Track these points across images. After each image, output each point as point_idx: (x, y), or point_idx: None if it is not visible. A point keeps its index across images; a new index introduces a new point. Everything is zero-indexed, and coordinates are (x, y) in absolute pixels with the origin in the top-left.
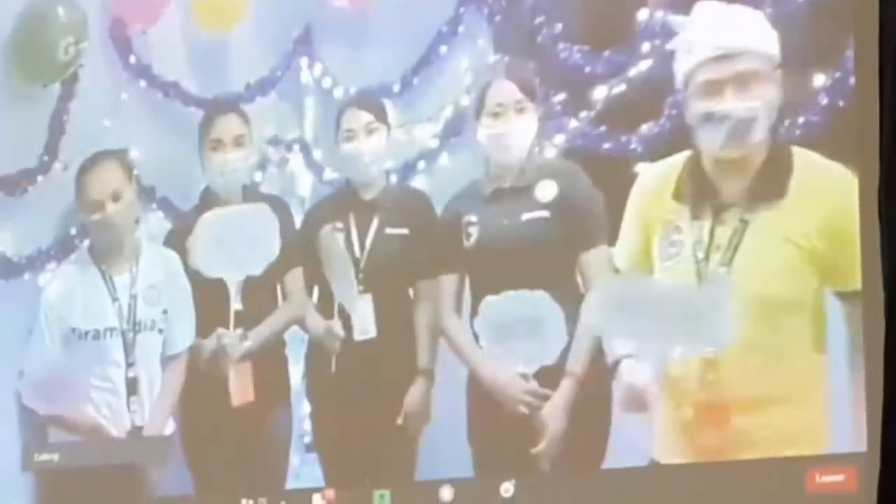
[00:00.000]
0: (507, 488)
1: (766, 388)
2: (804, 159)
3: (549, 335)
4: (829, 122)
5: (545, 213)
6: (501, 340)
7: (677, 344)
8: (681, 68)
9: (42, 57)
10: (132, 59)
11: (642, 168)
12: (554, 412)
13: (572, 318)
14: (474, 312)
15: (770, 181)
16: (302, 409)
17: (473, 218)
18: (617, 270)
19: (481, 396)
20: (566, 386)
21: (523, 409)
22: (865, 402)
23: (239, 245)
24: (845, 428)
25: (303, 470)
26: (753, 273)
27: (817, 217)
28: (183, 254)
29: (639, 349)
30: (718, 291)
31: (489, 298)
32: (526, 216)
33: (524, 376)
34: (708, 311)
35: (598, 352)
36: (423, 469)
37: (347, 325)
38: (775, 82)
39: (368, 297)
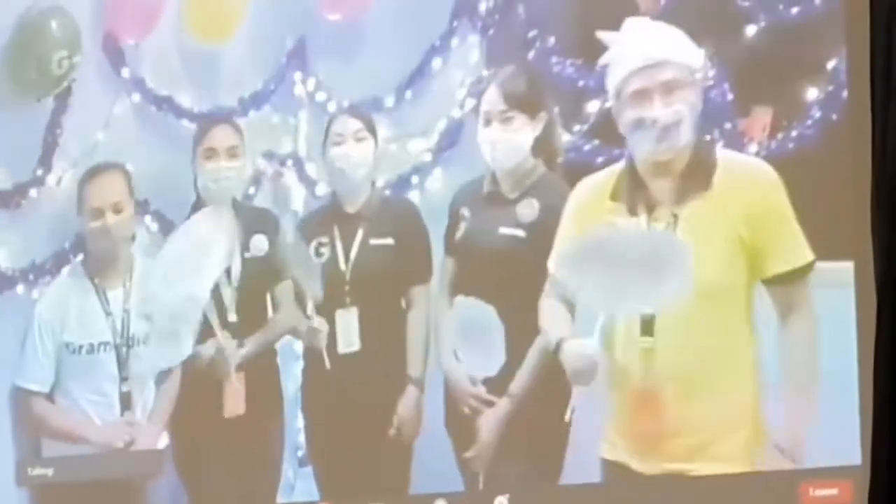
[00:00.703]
0: (500, 502)
1: (698, 373)
2: (727, 156)
3: (492, 349)
4: (821, 135)
5: (520, 233)
6: (462, 341)
7: (624, 299)
8: (612, 80)
9: (35, 70)
10: (125, 72)
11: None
12: (488, 424)
13: (517, 340)
14: (450, 303)
15: (695, 176)
16: (296, 422)
17: (467, 212)
18: (551, 276)
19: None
20: (503, 404)
21: (466, 410)
22: (860, 414)
23: (195, 255)
24: (839, 440)
25: (297, 483)
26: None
27: (741, 207)
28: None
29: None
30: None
31: (460, 297)
32: (503, 230)
33: (472, 380)
34: (653, 262)
35: (549, 375)
36: (417, 483)
37: (333, 338)
38: (697, 89)
39: (354, 311)
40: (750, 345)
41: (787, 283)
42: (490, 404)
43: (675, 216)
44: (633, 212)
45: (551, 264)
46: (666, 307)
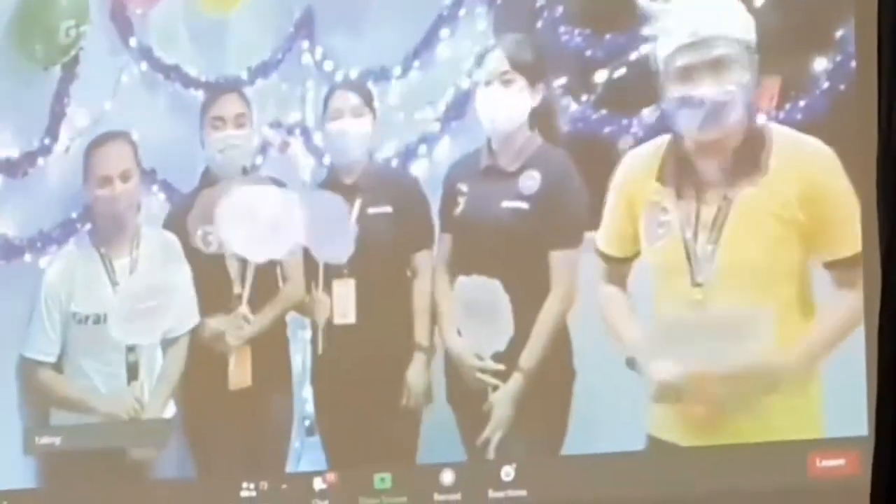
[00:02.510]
0: (507, 472)
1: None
2: (782, 135)
3: (500, 324)
4: (830, 106)
5: (524, 205)
6: (466, 320)
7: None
8: (661, 53)
9: (43, 39)
10: (133, 41)
11: (625, 152)
12: (501, 402)
13: (524, 311)
14: (451, 284)
15: (750, 159)
16: (303, 392)
17: (464, 188)
18: (601, 253)
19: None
20: (516, 380)
21: (474, 386)
22: (866, 385)
23: (264, 226)
24: (846, 412)
25: (304, 453)
26: (740, 249)
27: (797, 189)
28: (184, 235)
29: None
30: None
31: (461, 278)
32: (506, 203)
33: (479, 356)
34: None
35: (556, 348)
36: (425, 452)
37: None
38: (751, 66)
39: (352, 282)
40: (806, 323)
41: (851, 267)
42: (500, 375)
43: (728, 200)
44: (680, 194)
45: (601, 243)
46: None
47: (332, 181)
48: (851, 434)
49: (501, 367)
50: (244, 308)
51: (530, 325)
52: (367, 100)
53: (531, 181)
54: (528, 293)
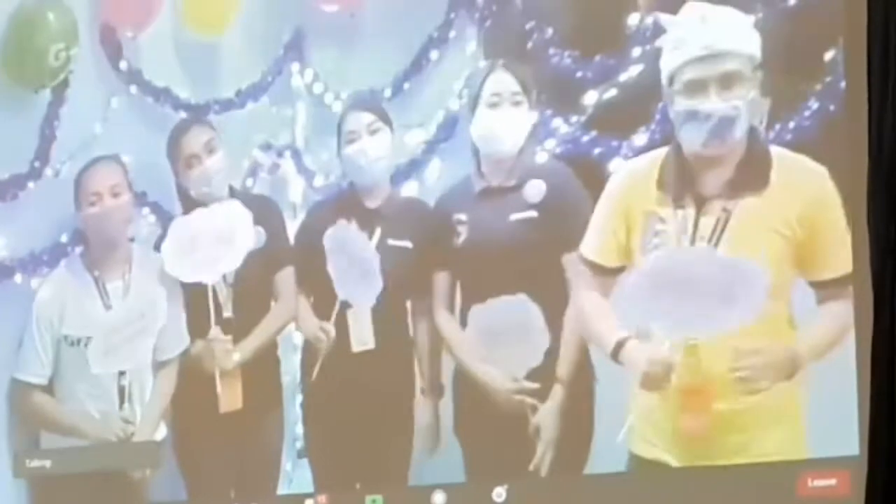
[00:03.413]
0: (499, 493)
1: (746, 371)
2: (781, 154)
3: (533, 337)
4: (819, 126)
5: (533, 214)
6: (491, 347)
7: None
8: (667, 65)
9: (33, 63)
10: (123, 64)
11: (618, 165)
12: (547, 418)
13: (554, 319)
14: (463, 318)
15: (752, 173)
16: (294, 414)
17: (463, 217)
18: (588, 261)
19: (469, 391)
20: (557, 392)
21: (517, 407)
22: (858, 405)
23: (210, 245)
24: (837, 431)
25: (295, 475)
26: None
27: (797, 206)
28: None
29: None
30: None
31: (475, 308)
32: (514, 216)
33: (514, 379)
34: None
35: (581, 357)
36: (416, 474)
37: (345, 334)
38: (756, 83)
39: (367, 308)
40: (791, 339)
41: (837, 288)
42: (539, 394)
43: (728, 211)
44: (679, 204)
45: (588, 250)
46: (734, 330)
47: (351, 201)
48: (842, 454)
49: (537, 385)
50: (216, 332)
51: (560, 331)
52: (382, 115)
53: (536, 189)
54: (553, 299)
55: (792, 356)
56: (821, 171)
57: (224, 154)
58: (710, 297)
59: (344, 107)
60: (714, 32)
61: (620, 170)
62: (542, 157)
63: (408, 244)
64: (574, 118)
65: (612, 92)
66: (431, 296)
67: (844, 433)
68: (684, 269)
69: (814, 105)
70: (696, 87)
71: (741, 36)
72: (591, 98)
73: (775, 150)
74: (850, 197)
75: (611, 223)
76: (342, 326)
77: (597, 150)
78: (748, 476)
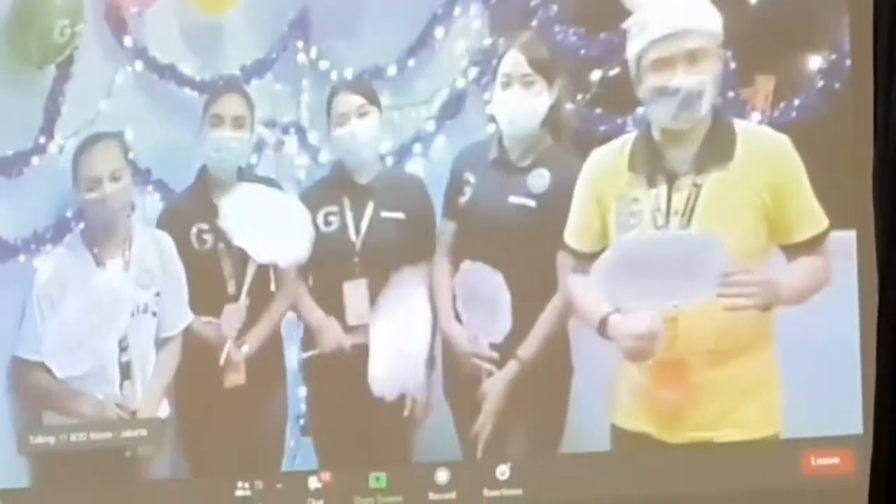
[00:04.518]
0: (503, 471)
1: (721, 341)
2: (744, 127)
3: (499, 315)
4: (825, 105)
5: (531, 203)
6: (467, 305)
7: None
8: (634, 46)
9: (38, 39)
10: (128, 41)
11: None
12: (494, 389)
13: (527, 307)
14: (455, 269)
15: (717, 146)
16: (298, 391)
17: (472, 178)
18: (570, 249)
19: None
20: (511, 367)
21: (469, 371)
22: (861, 384)
23: (284, 229)
24: (840, 410)
25: (299, 452)
26: (711, 233)
27: (764, 175)
28: (178, 234)
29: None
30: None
31: (465, 262)
32: (512, 199)
33: (476, 343)
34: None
35: (555, 345)
36: (420, 451)
37: (340, 310)
38: (720, 59)
39: (363, 282)
40: (769, 314)
41: (808, 248)
42: (495, 362)
43: (698, 186)
44: (652, 183)
45: (570, 238)
46: (696, 301)
47: (342, 179)
48: (846, 432)
49: (496, 355)
50: (242, 303)
51: (529, 322)
52: (370, 96)
53: (541, 179)
54: (528, 291)
55: (773, 287)
56: (783, 139)
57: (246, 138)
58: (677, 273)
59: (333, 87)
60: (676, 12)
61: (591, 156)
62: (554, 144)
63: (401, 215)
64: (579, 96)
65: (617, 70)
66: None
67: (848, 412)
68: (650, 250)
69: (819, 83)
70: (664, 65)
71: (703, 14)
72: (596, 76)
73: (739, 124)
74: (853, 176)
75: (586, 210)
76: (340, 301)
77: (602, 128)
78: (753, 454)
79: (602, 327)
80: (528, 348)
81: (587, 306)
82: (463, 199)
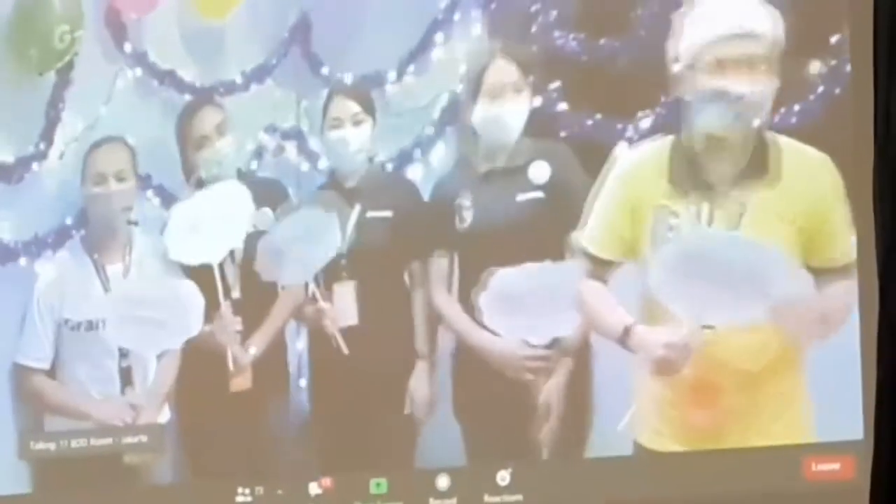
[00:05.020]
0: (503, 476)
1: (755, 362)
2: (789, 143)
3: (561, 307)
4: (825, 110)
5: (540, 194)
6: (511, 313)
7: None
8: (690, 43)
9: (37, 45)
10: (127, 46)
11: (621, 152)
12: (555, 392)
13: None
14: (469, 290)
15: (764, 164)
16: (299, 396)
17: (467, 202)
18: (588, 254)
19: (470, 370)
20: (565, 365)
21: (528, 376)
22: (862, 389)
23: (212, 225)
24: (841, 416)
25: (300, 458)
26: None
27: (806, 197)
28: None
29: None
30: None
31: (499, 271)
32: (521, 197)
33: (530, 345)
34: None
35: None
36: (421, 457)
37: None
38: (777, 68)
39: (351, 285)
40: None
41: (844, 273)
42: (548, 359)
43: (742, 204)
44: (692, 197)
45: (585, 241)
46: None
47: (332, 185)
48: (846, 438)
49: (550, 352)
50: (239, 306)
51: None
52: (367, 106)
53: (542, 170)
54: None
55: (827, 317)
56: (824, 159)
57: (232, 139)
58: (730, 284)
59: (331, 88)
60: (744, 12)
61: (624, 160)
62: (536, 140)
63: (388, 213)
64: (579, 101)
65: (618, 75)
66: (428, 279)
67: (848, 417)
68: (706, 253)
69: (819, 88)
70: (725, 67)
71: (770, 19)
72: (596, 81)
73: (783, 141)
74: (854, 181)
75: (616, 217)
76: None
77: (602, 134)
78: (752, 460)
79: (625, 337)
80: (573, 343)
81: (605, 315)
82: (464, 225)
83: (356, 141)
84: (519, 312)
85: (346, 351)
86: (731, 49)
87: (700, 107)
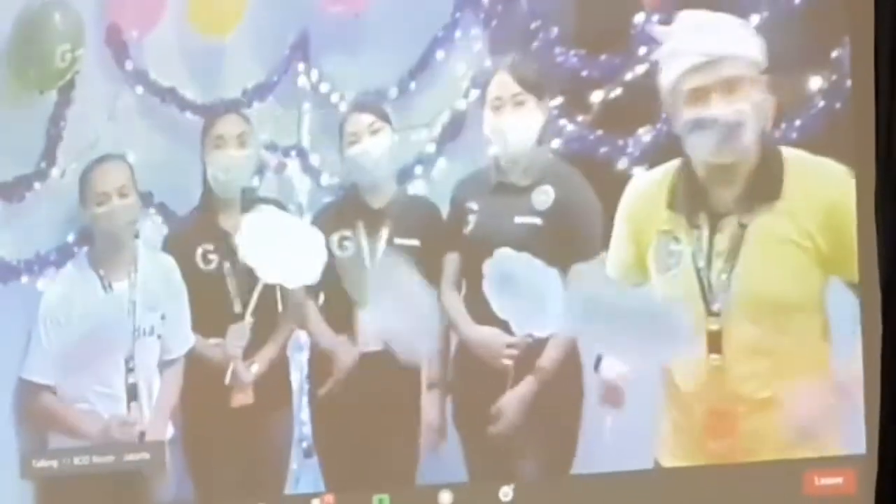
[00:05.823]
0: (506, 492)
1: (776, 389)
2: (796, 159)
3: (548, 307)
4: (826, 125)
5: (537, 221)
6: (504, 292)
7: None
8: (666, 77)
9: (39, 64)
10: (129, 65)
11: (637, 173)
12: (510, 403)
13: None
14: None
15: (764, 184)
16: (302, 413)
17: (474, 206)
18: (609, 279)
19: (468, 378)
20: (529, 381)
21: (505, 362)
22: (865, 403)
23: (291, 253)
24: (844, 430)
25: (302, 475)
26: (757, 278)
27: (816, 214)
28: (182, 258)
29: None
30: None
31: (502, 250)
32: (518, 219)
33: (510, 332)
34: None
35: (571, 356)
36: (423, 474)
37: (352, 334)
38: (762, 86)
39: (376, 309)
40: (825, 352)
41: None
42: (534, 347)
43: (743, 226)
44: (693, 222)
45: (612, 271)
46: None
47: (356, 203)
48: (849, 452)
49: (530, 339)
50: (247, 323)
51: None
52: (382, 115)
53: (544, 196)
54: None
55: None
56: (839, 171)
57: (250, 155)
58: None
59: (346, 110)
60: (711, 38)
61: (629, 190)
62: (554, 158)
63: (416, 242)
64: (580, 117)
65: (618, 91)
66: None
67: (851, 431)
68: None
69: (820, 103)
70: (698, 95)
71: (740, 40)
72: (597, 97)
73: (789, 154)
74: (858, 195)
75: (624, 245)
76: (349, 325)
77: (603, 149)
78: (754, 474)
79: (598, 364)
80: (547, 360)
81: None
82: (467, 229)
83: (377, 149)
84: (508, 293)
85: (320, 376)
86: (700, 77)
87: (687, 136)
